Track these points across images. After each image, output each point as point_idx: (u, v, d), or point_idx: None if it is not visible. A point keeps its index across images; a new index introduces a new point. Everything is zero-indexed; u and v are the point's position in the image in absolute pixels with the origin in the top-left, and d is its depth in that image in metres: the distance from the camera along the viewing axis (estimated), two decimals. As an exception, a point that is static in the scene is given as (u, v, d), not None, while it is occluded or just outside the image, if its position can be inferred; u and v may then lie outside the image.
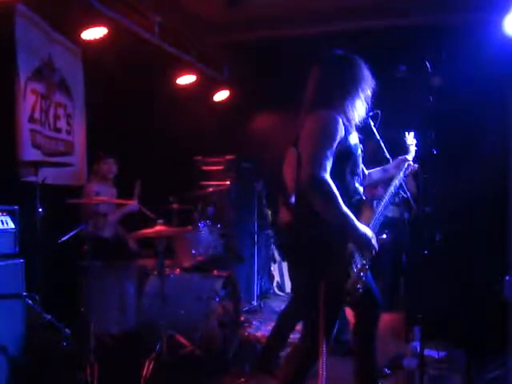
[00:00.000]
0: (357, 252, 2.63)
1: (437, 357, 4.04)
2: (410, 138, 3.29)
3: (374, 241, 2.62)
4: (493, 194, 4.85)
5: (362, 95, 2.77)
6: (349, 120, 2.72)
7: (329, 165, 2.54)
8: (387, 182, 3.10)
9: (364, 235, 2.59)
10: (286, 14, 5.37)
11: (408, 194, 3.42)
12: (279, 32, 5.74)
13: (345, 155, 2.66)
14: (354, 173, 2.73)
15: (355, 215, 2.59)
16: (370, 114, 3.23)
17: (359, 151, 2.77)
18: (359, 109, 2.78)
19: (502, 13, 4.42)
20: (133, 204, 4.82)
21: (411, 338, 4.38)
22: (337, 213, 2.51)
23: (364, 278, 2.67)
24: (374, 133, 3.27)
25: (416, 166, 3.19)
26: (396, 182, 3.06)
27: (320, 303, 2.60)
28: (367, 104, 2.84)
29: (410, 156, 3.24)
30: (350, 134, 2.68)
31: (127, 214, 4.95)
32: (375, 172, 3.16)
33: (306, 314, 2.81)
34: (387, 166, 3.20)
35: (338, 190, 2.52)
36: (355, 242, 2.59)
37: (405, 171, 3.15)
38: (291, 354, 2.94)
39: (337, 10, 5.20)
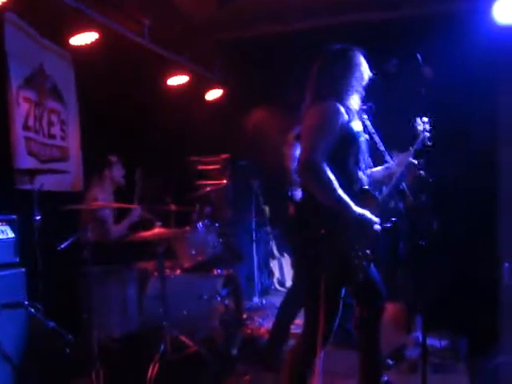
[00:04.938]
0: (358, 239, 2.62)
1: (439, 346, 4.06)
2: (422, 124, 3.08)
3: (377, 221, 2.62)
4: (487, 183, 4.87)
5: (357, 83, 2.79)
6: (349, 108, 2.74)
7: (325, 151, 2.55)
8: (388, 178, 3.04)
9: (362, 216, 2.58)
10: (276, 11, 5.37)
11: (404, 184, 3.41)
12: (270, 29, 5.75)
13: (347, 142, 2.66)
14: (358, 161, 2.73)
15: (358, 204, 2.59)
16: (364, 107, 3.23)
17: (362, 138, 2.77)
18: (356, 97, 2.80)
19: (491, 0, 4.42)
20: (136, 211, 4.64)
21: (413, 328, 4.41)
22: (330, 195, 2.52)
23: (365, 266, 2.67)
24: (367, 126, 3.27)
25: (416, 162, 3.00)
26: (396, 181, 3.00)
27: (320, 294, 2.61)
28: (362, 92, 2.85)
29: (419, 141, 3.03)
30: (351, 121, 2.70)
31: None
32: (378, 171, 3.08)
33: (308, 306, 2.82)
34: (389, 165, 3.13)
35: (340, 178, 2.54)
36: (356, 225, 2.57)
37: (406, 169, 2.98)
38: (294, 348, 2.96)
39: (328, 4, 5.20)
